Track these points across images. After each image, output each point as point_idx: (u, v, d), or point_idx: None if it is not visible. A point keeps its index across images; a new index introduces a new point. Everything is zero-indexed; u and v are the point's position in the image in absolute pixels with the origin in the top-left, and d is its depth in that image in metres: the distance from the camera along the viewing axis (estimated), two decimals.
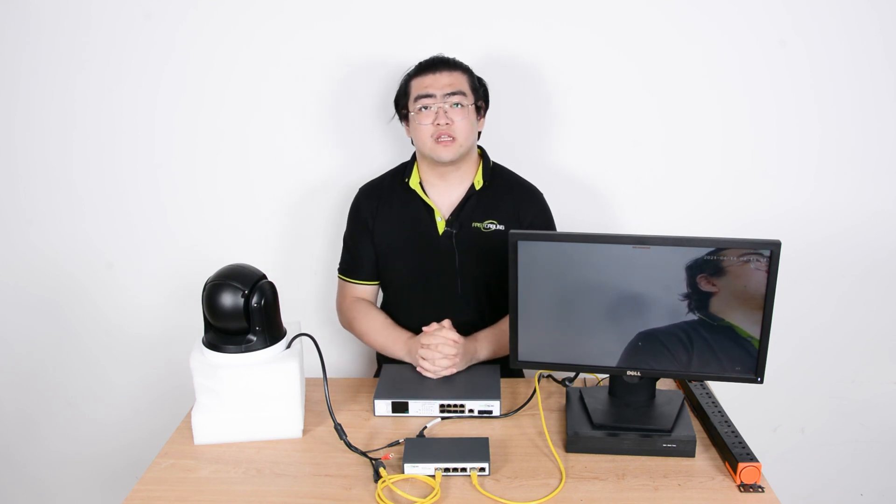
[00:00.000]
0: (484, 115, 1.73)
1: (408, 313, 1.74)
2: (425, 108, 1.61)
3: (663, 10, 1.83)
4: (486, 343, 1.66)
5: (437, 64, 1.65)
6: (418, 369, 1.60)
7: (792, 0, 1.81)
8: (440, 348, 1.57)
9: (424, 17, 1.85)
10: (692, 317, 1.34)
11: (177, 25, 1.87)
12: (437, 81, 1.62)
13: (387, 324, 1.72)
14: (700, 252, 1.30)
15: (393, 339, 1.68)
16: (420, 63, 1.67)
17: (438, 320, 1.63)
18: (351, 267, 1.78)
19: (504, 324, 1.70)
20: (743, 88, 1.88)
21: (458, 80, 1.64)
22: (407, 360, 1.65)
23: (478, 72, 1.72)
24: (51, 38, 1.89)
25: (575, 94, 1.91)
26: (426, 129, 1.62)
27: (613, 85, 1.90)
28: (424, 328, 1.62)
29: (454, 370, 1.59)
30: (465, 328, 1.68)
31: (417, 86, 1.64)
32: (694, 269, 1.31)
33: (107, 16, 1.87)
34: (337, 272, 1.82)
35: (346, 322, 1.79)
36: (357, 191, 1.78)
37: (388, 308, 1.80)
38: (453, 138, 1.60)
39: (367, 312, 1.74)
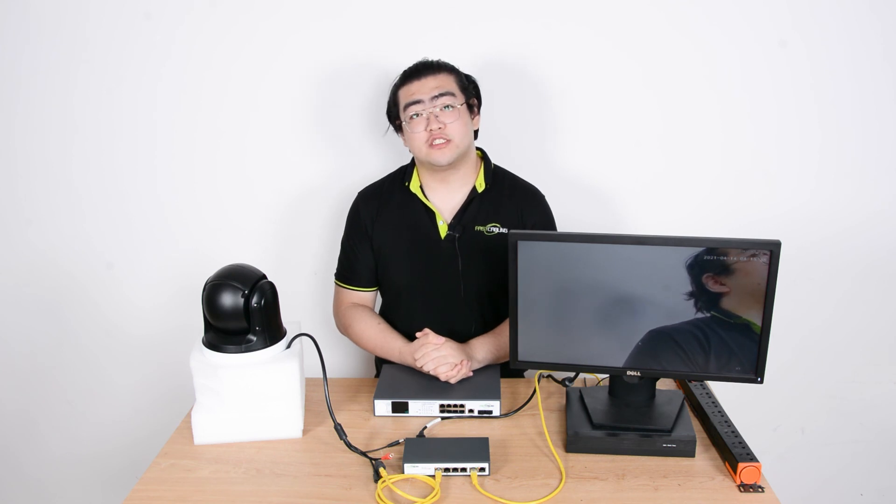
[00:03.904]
0: (478, 112, 1.71)
1: (408, 319, 1.72)
2: (416, 115, 1.60)
3: (663, 10, 1.83)
4: (482, 348, 1.65)
5: (420, 69, 1.63)
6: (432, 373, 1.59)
7: (792, 0, 1.81)
8: (438, 365, 1.56)
9: (423, 18, 1.85)
10: (703, 315, 1.34)
11: (176, 25, 1.87)
12: (424, 86, 1.61)
13: (382, 329, 1.70)
14: (699, 252, 1.30)
15: (388, 349, 1.68)
16: (404, 71, 1.65)
17: (439, 326, 1.63)
18: (348, 273, 1.77)
19: (501, 330, 1.69)
20: (743, 88, 1.88)
21: (445, 82, 1.62)
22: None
23: (477, 72, 1.72)
24: (51, 38, 1.88)
25: (575, 95, 1.91)
26: (420, 136, 1.60)
27: (614, 85, 1.90)
28: (416, 340, 1.62)
29: (467, 371, 1.59)
30: (467, 334, 1.68)
31: (405, 94, 1.63)
32: (696, 269, 1.31)
33: (107, 16, 1.87)
34: (334, 278, 1.82)
35: (343, 328, 1.78)
36: (356, 195, 1.77)
37: (388, 314, 1.79)
38: (448, 140, 1.59)
39: (362, 318, 1.73)
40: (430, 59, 1.66)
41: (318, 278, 2.06)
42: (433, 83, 1.61)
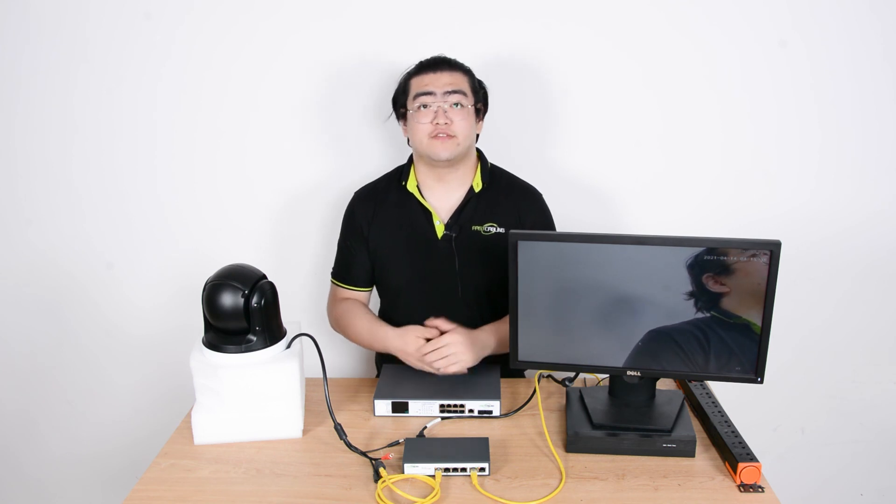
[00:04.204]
0: (482, 119, 1.72)
1: (407, 319, 1.71)
2: (424, 106, 1.60)
3: (663, 10, 1.83)
4: (492, 334, 1.64)
5: (438, 63, 1.64)
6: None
7: (792, 0, 1.81)
8: (450, 364, 1.55)
9: (423, 17, 1.85)
10: (703, 315, 1.34)
11: (176, 25, 1.87)
12: (438, 80, 1.61)
13: (370, 319, 1.70)
14: (699, 252, 1.30)
15: (377, 339, 1.66)
16: (421, 62, 1.66)
17: None
18: (344, 273, 1.77)
19: (506, 320, 1.69)
20: (743, 88, 1.88)
21: (459, 81, 1.63)
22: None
23: (477, 72, 1.71)
24: (51, 38, 1.88)
25: (575, 94, 1.91)
26: (424, 128, 1.60)
27: (614, 85, 1.90)
28: (413, 327, 1.61)
29: (468, 362, 1.57)
30: None
31: (417, 84, 1.63)
32: (696, 269, 1.31)
33: (107, 16, 1.87)
34: (330, 276, 1.81)
35: (335, 323, 1.78)
36: (352, 195, 1.77)
37: (387, 314, 1.79)
38: (451, 136, 1.59)
39: (351, 311, 1.72)
40: (447, 56, 1.66)
41: (318, 278, 2.06)
42: (448, 79, 1.61)
